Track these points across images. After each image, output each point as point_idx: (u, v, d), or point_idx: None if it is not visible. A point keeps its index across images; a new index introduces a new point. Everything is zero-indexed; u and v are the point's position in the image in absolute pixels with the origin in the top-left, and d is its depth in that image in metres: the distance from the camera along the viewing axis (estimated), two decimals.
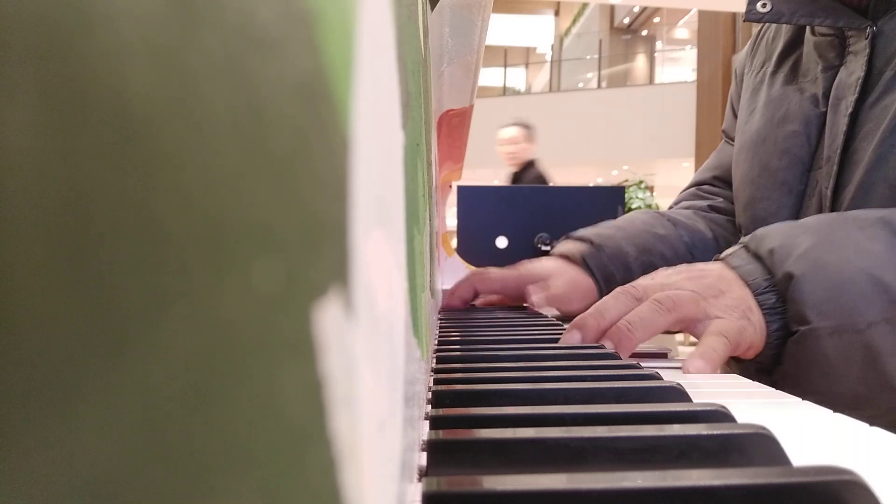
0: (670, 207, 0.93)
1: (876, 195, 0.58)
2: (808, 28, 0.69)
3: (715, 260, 0.55)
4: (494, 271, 0.82)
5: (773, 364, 0.51)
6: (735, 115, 0.81)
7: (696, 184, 0.91)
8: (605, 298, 0.55)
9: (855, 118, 0.62)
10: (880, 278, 0.46)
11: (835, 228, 0.50)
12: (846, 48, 0.64)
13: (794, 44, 0.72)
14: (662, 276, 0.54)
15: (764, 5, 0.67)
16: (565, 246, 0.81)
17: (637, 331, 0.50)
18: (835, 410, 0.50)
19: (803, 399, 0.50)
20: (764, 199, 0.70)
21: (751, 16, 0.68)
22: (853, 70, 0.62)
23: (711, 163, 0.90)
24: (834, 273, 0.47)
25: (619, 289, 0.54)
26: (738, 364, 0.55)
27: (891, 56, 0.60)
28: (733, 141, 0.81)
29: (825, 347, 0.47)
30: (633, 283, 0.54)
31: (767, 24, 0.77)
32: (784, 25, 0.73)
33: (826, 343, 0.47)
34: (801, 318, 0.48)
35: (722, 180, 0.87)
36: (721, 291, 0.51)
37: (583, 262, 0.77)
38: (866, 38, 0.62)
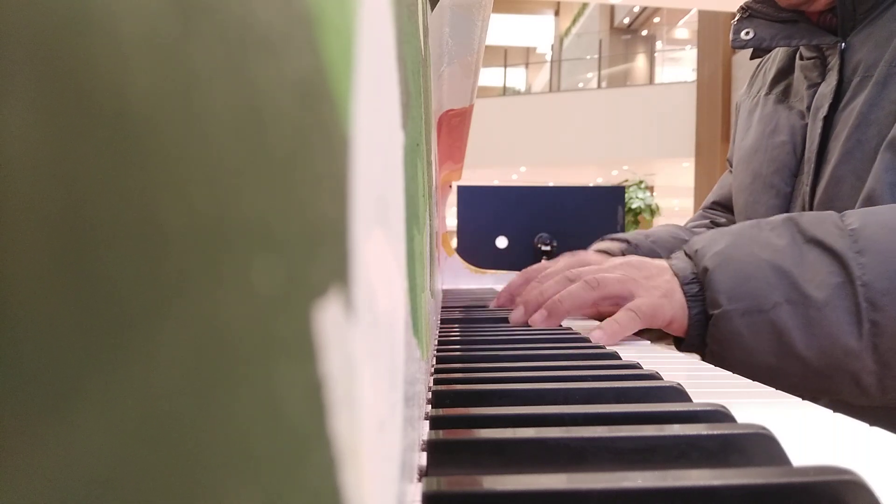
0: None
1: (846, 186, 0.67)
2: (797, 55, 0.79)
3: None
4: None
5: (702, 345, 0.60)
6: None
7: (703, 208, 1.01)
8: (545, 277, 0.68)
9: (829, 123, 0.71)
10: (781, 266, 0.55)
11: (747, 229, 0.60)
12: (826, 66, 0.73)
13: (787, 71, 0.82)
14: (610, 261, 0.65)
15: (747, 33, 0.77)
16: (603, 244, 0.89)
17: (565, 302, 0.62)
18: (755, 380, 0.56)
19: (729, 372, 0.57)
20: (756, 202, 0.78)
21: (736, 43, 0.79)
22: (829, 82, 0.72)
23: (714, 189, 1.00)
24: (741, 265, 0.56)
25: (558, 270, 0.67)
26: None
27: (856, 65, 0.70)
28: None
29: (738, 326, 0.56)
30: (572, 269, 0.66)
31: (765, 58, 0.88)
32: (778, 56, 0.84)
33: (738, 322, 0.55)
34: (715, 303, 0.57)
35: (721, 205, 0.97)
36: (652, 275, 0.61)
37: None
38: (837, 54, 0.72)
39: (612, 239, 0.89)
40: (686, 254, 0.62)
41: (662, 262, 0.62)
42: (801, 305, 0.54)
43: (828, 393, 0.56)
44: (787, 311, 0.54)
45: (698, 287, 0.58)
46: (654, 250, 0.86)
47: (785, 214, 0.60)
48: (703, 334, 0.58)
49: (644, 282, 0.60)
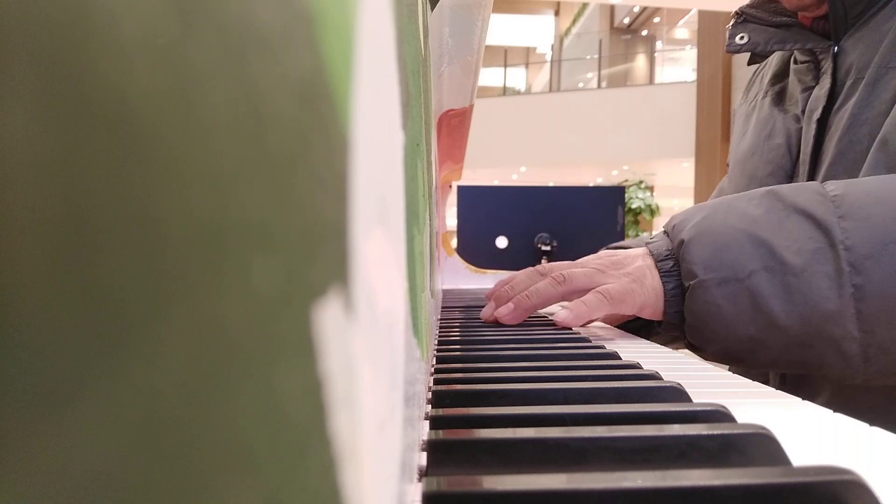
0: None
1: None
2: (792, 59, 0.80)
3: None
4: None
5: (681, 322, 0.59)
6: None
7: None
8: (517, 274, 0.69)
9: (823, 125, 0.72)
10: (758, 235, 0.55)
11: (725, 202, 0.60)
12: (820, 70, 0.74)
13: (782, 75, 0.83)
14: (583, 259, 0.66)
15: (742, 37, 0.78)
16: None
17: (532, 297, 0.64)
18: (736, 358, 0.57)
19: (707, 349, 0.58)
20: None
21: (731, 47, 0.79)
22: (823, 85, 0.73)
23: (714, 193, 1.01)
24: (717, 235, 0.56)
25: (529, 268, 0.69)
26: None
27: (849, 68, 0.71)
28: None
29: (715, 297, 0.55)
30: (543, 265, 0.68)
31: (762, 64, 0.89)
32: (773, 61, 0.85)
33: (715, 293, 0.55)
34: (691, 274, 0.57)
35: None
36: (623, 265, 0.62)
37: None
38: (830, 57, 0.73)
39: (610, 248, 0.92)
40: (665, 231, 0.62)
41: (638, 250, 0.63)
42: (778, 272, 0.53)
43: (811, 366, 0.55)
44: (765, 278, 0.54)
45: (673, 262, 0.59)
46: None
47: (766, 187, 0.60)
48: (681, 311, 0.59)
49: (613, 272, 0.62)
